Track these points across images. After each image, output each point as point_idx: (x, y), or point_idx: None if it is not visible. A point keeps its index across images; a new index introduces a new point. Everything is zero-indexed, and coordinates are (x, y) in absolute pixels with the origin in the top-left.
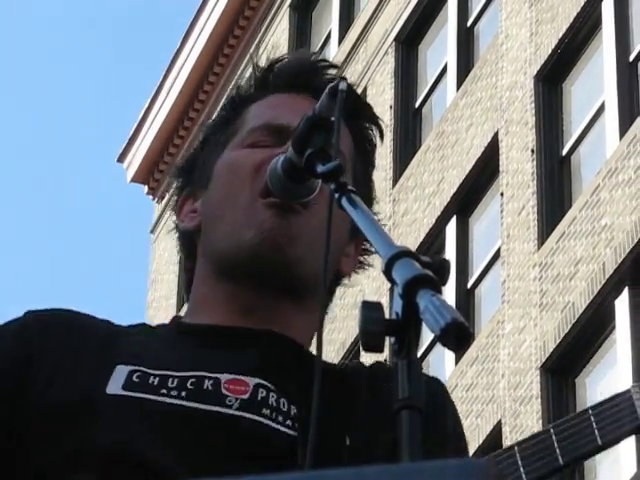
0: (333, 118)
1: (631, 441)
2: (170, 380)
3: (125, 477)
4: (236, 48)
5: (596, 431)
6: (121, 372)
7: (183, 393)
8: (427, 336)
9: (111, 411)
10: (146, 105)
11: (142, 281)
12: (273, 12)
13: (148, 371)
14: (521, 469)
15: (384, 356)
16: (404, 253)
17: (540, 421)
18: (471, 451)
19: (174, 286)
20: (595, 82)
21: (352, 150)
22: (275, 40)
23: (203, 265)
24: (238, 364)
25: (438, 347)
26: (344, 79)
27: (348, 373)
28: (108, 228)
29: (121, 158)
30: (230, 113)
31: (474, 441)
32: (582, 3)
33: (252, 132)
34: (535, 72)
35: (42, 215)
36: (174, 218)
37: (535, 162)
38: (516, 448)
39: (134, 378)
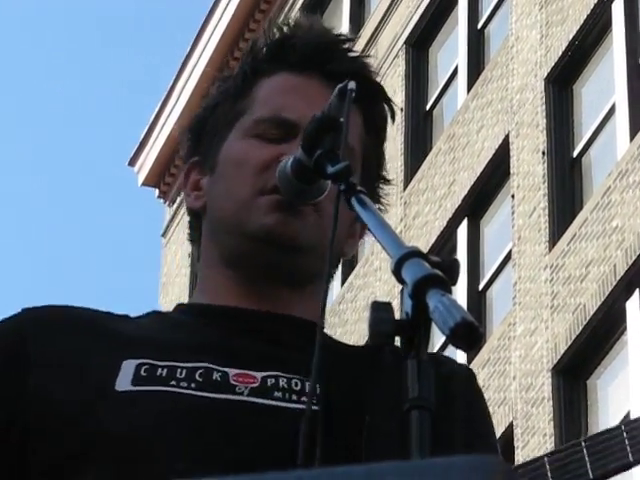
0: (342, 119)
1: None
2: (178, 371)
3: (140, 470)
4: None
5: (628, 447)
6: (128, 367)
7: (193, 384)
8: (438, 339)
9: (122, 407)
10: (157, 109)
11: (153, 284)
12: (284, 15)
13: (155, 363)
14: None
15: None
16: (414, 253)
17: (552, 423)
18: None
19: (185, 289)
20: (605, 84)
21: (362, 133)
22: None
23: (209, 248)
24: (248, 351)
25: (449, 350)
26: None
27: (371, 351)
28: (119, 232)
29: (132, 162)
30: (241, 84)
31: None
32: (592, 5)
33: (259, 123)
34: (546, 74)
35: (54, 219)
36: (184, 189)
37: (546, 164)
38: (546, 459)
39: (142, 372)
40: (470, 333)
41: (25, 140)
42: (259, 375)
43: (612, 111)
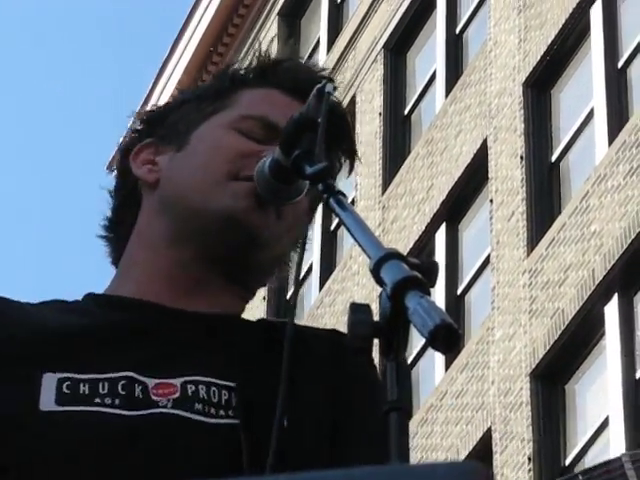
0: (320, 119)
1: None
2: (100, 385)
3: None
4: (225, 56)
5: None
6: (50, 382)
7: (117, 401)
8: (417, 343)
9: (49, 429)
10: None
11: None
12: (262, 20)
13: (76, 376)
14: None
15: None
16: (392, 255)
17: (530, 427)
18: (462, 458)
19: None
20: (584, 88)
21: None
22: (264, 48)
23: (153, 225)
24: (168, 362)
25: (428, 353)
26: (331, 80)
27: (306, 338)
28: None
29: (110, 166)
30: (222, 87)
31: (464, 448)
32: (571, 10)
33: (246, 119)
34: (524, 79)
35: (37, 226)
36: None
37: (524, 169)
38: (580, 477)
39: (64, 389)
40: (449, 335)
41: (8, 146)
42: (178, 382)
43: (590, 116)
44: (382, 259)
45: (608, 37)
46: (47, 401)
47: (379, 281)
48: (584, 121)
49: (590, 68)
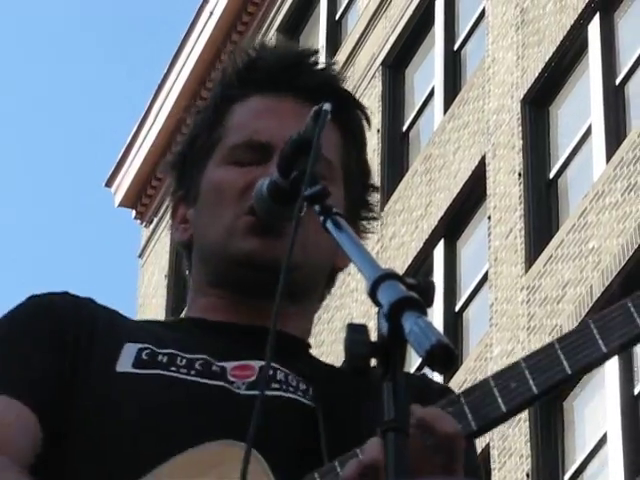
0: (313, 140)
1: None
2: (179, 359)
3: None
4: None
5: (599, 341)
6: (130, 350)
7: (192, 372)
8: (415, 360)
9: (122, 389)
10: (134, 129)
11: (131, 305)
12: (261, 36)
13: (156, 349)
14: (530, 381)
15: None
16: (389, 275)
17: (528, 444)
18: None
19: (162, 310)
20: (582, 105)
21: (340, 143)
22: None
23: (197, 274)
24: (242, 353)
25: (426, 371)
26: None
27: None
28: (96, 253)
29: (109, 183)
30: (213, 115)
31: None
32: (568, 27)
33: (234, 149)
34: (522, 95)
35: (30, 240)
36: (170, 228)
37: (522, 185)
38: (523, 363)
39: (143, 356)
40: (446, 355)
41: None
42: (257, 365)
43: (588, 132)
44: (379, 279)
45: (606, 54)
46: (124, 364)
47: (376, 301)
48: (582, 138)
49: (588, 85)
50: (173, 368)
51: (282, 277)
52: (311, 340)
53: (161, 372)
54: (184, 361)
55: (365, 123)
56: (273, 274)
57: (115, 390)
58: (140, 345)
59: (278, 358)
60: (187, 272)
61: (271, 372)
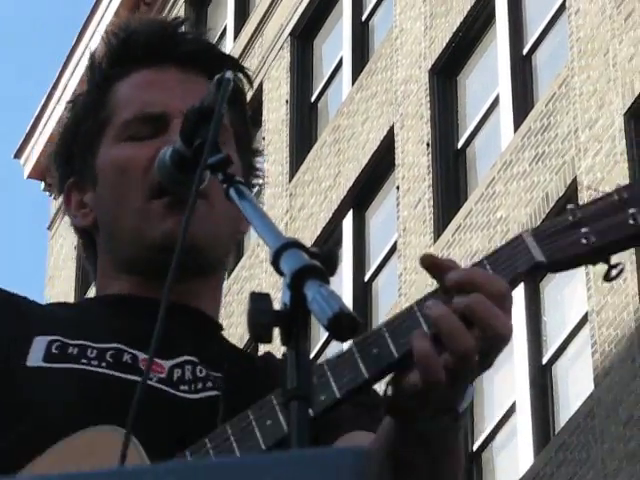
0: (215, 109)
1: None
2: (89, 350)
3: (43, 443)
4: None
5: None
6: (40, 343)
7: (103, 364)
8: (324, 332)
9: (32, 383)
10: (42, 101)
11: (40, 277)
12: (168, 8)
13: (67, 341)
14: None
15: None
16: (291, 244)
17: None
18: None
19: (72, 282)
20: (489, 75)
21: (228, 109)
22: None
23: (106, 262)
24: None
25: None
26: (231, 62)
27: (256, 360)
28: (5, 224)
29: (18, 154)
30: (96, 95)
31: None
32: None
33: (127, 125)
34: (430, 66)
35: None
36: (67, 209)
37: (430, 155)
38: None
39: (53, 349)
40: (348, 324)
41: None
42: (166, 365)
43: (496, 102)
44: (281, 248)
45: (513, 24)
46: (34, 359)
47: (279, 270)
48: (490, 108)
49: (495, 55)
50: (84, 360)
51: (175, 256)
52: (221, 311)
53: (72, 366)
54: (95, 352)
55: (248, 85)
56: (192, 253)
57: (26, 385)
58: (50, 338)
59: (191, 344)
60: (87, 258)
61: (179, 373)
